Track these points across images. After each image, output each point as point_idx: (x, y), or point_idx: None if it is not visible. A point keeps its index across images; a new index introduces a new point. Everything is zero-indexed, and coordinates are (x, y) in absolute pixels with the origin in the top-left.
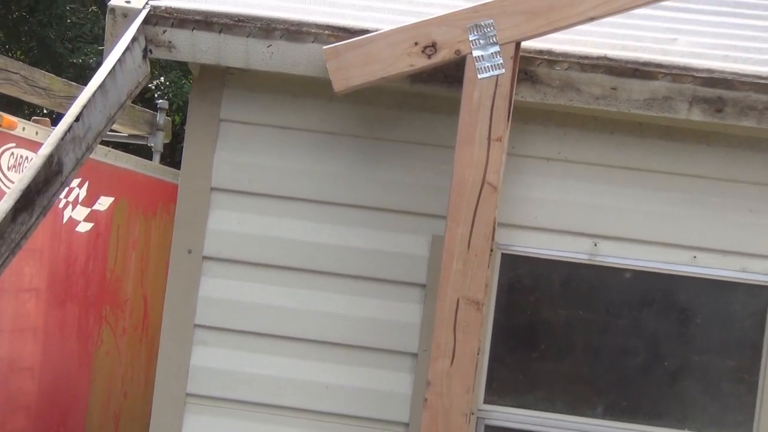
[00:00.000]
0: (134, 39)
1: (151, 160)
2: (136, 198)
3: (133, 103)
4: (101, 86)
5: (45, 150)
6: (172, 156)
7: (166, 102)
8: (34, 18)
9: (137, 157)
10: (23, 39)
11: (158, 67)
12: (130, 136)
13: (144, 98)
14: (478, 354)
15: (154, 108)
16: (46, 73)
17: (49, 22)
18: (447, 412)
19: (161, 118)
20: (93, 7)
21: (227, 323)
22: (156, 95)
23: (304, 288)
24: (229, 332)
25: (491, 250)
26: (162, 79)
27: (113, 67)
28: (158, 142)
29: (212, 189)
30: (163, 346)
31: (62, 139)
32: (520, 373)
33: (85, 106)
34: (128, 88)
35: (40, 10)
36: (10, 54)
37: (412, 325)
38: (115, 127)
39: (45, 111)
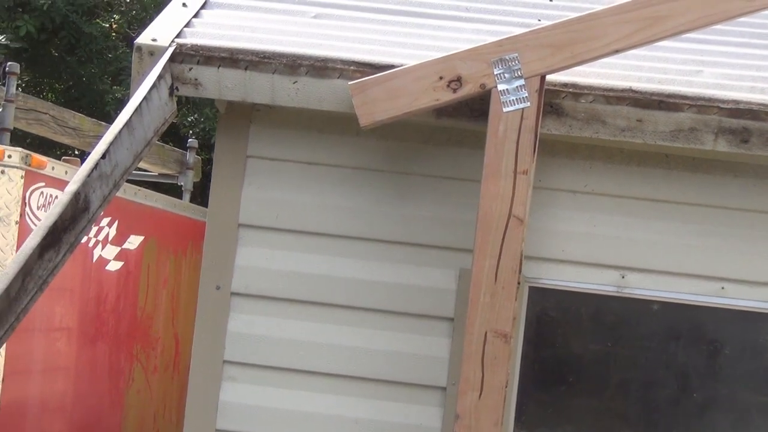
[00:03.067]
0: (160, 77)
1: (181, 199)
2: (166, 237)
3: (165, 140)
4: (127, 124)
5: (71, 187)
6: (202, 195)
7: (196, 141)
8: (74, 56)
9: (167, 196)
10: (64, 77)
11: (190, 104)
12: (161, 175)
13: (176, 135)
14: (506, 387)
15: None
16: (76, 113)
17: (89, 59)
18: None
19: (191, 157)
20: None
21: (256, 359)
22: (190, 132)
23: (332, 323)
24: (258, 368)
25: (518, 283)
26: (196, 116)
27: (139, 105)
28: (188, 180)
29: (240, 225)
30: (192, 382)
31: (89, 176)
32: (548, 407)
33: (111, 144)
34: (155, 126)
35: (81, 47)
36: (50, 93)
37: (441, 358)
38: (145, 166)
39: (77, 152)
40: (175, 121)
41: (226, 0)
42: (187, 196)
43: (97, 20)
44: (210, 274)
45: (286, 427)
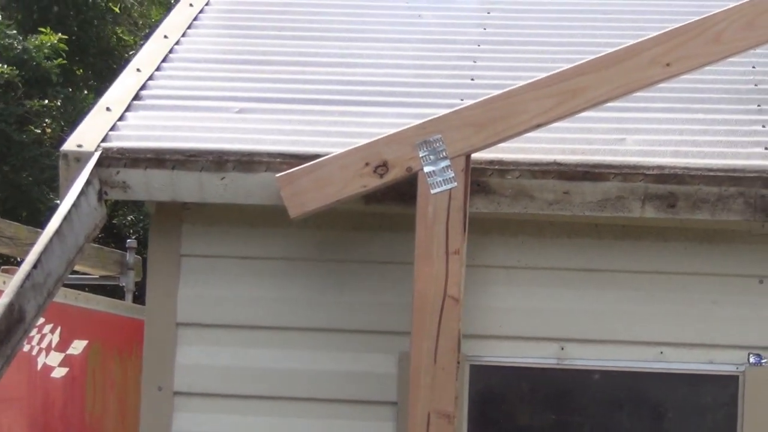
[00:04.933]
0: (88, 182)
1: (123, 299)
2: (110, 339)
3: (106, 241)
4: (57, 232)
5: (5, 299)
6: (144, 294)
7: (135, 241)
8: (7, 165)
9: (108, 298)
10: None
11: (130, 204)
12: (101, 277)
13: (117, 236)
14: None
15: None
16: (12, 222)
17: (22, 167)
18: None
19: (131, 257)
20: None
21: None
22: (131, 231)
23: (277, 416)
24: None
25: (458, 363)
26: (135, 215)
27: (69, 212)
28: (129, 281)
29: (178, 324)
30: None
31: (21, 286)
32: None
33: (42, 253)
34: (86, 232)
35: (13, 155)
36: None
37: None
38: (85, 269)
39: (18, 260)
40: (115, 222)
41: (150, 102)
42: (129, 297)
43: (30, 126)
44: (151, 375)
45: None
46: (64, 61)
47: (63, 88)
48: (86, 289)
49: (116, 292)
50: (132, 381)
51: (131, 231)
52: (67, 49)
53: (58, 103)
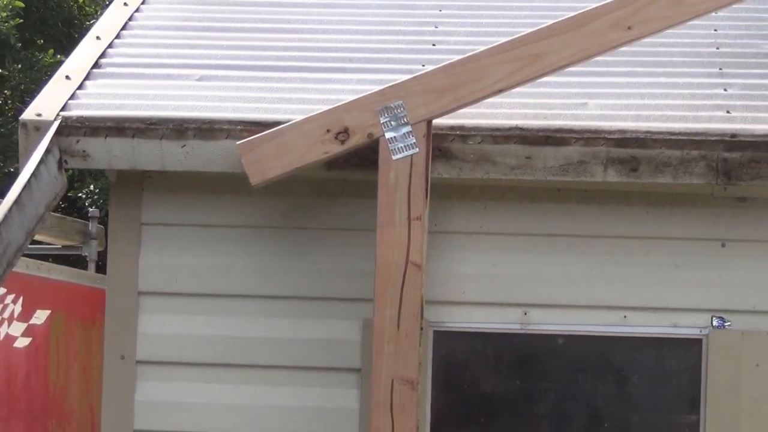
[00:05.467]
0: (48, 151)
1: (86, 269)
2: (74, 308)
3: (65, 213)
4: (17, 201)
5: None
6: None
7: (97, 211)
8: None
9: (71, 268)
10: None
11: (90, 176)
12: (64, 247)
13: (77, 207)
14: None
15: (86, 217)
16: None
17: None
18: None
19: (93, 227)
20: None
21: (167, 426)
22: (87, 204)
23: (240, 383)
24: None
25: (422, 329)
26: (92, 187)
27: (28, 181)
28: (92, 251)
29: (140, 293)
30: None
31: None
32: None
33: (1, 223)
34: (46, 201)
35: None
36: None
37: (351, 410)
38: (48, 239)
39: None
40: (81, 195)
41: (111, 70)
42: (92, 267)
43: None
44: (113, 344)
45: None
46: (21, 20)
47: (23, 51)
48: (49, 259)
49: (79, 263)
50: (96, 350)
51: (92, 202)
52: (23, 5)
53: (18, 66)
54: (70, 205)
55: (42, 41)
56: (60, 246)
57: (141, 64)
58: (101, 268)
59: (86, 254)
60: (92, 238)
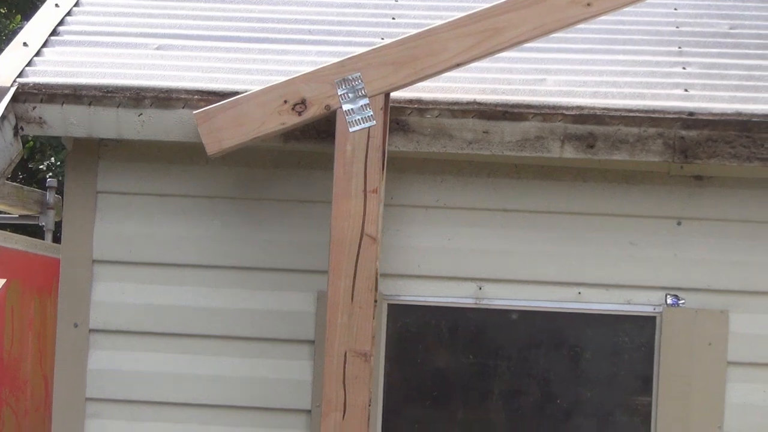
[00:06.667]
0: (3, 117)
1: (44, 239)
2: (29, 278)
3: (24, 183)
4: None
5: None
6: None
7: (55, 180)
8: None
9: (27, 237)
10: None
11: (50, 147)
12: (21, 217)
13: (36, 179)
14: (369, 406)
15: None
16: None
17: None
18: None
19: (51, 197)
20: None
21: (118, 394)
22: (48, 176)
23: (194, 354)
24: (122, 403)
25: (375, 301)
26: (53, 159)
27: None
28: (49, 220)
29: (94, 261)
30: (55, 420)
31: None
32: (414, 422)
33: None
34: (1, 167)
35: None
36: None
37: (304, 381)
38: (5, 208)
39: None
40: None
41: (68, 37)
42: (49, 236)
43: None
44: (67, 313)
45: None
46: None
47: None
48: (8, 229)
49: (37, 232)
50: (51, 320)
51: (51, 173)
52: None
53: None
54: (29, 177)
55: (5, 9)
56: (17, 216)
57: (99, 32)
58: (58, 238)
59: (43, 224)
60: (49, 208)
